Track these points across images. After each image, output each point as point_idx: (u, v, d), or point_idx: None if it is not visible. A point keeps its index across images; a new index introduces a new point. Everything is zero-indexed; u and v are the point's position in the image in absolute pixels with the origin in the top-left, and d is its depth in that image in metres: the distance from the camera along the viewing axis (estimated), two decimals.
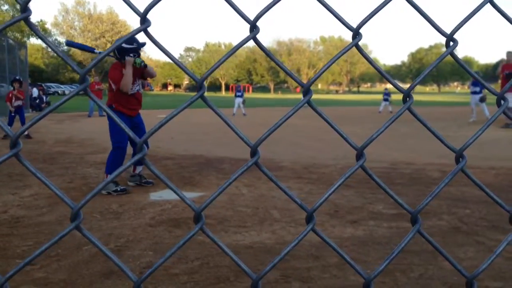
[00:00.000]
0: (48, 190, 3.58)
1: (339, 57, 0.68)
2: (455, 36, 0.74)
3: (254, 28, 0.61)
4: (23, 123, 11.89)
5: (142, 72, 5.55)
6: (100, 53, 4.09)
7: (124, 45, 5.28)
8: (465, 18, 0.75)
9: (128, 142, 5.47)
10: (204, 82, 0.64)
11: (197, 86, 0.62)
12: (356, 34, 0.69)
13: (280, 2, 0.68)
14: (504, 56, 13.71)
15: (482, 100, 15.89)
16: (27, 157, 8.03)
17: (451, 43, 0.76)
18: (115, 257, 0.62)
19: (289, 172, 6.80)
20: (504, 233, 3.97)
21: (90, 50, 5.50)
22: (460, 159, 0.83)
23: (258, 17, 0.61)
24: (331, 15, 0.75)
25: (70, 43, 5.49)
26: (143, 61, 5.41)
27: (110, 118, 5.55)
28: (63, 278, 3.04)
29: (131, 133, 0.57)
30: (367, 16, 0.69)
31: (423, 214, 4.37)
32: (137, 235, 3.94)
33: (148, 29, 0.64)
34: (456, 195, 5.28)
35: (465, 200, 5.08)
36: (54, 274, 3.09)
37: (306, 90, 0.69)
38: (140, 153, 0.57)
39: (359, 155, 0.71)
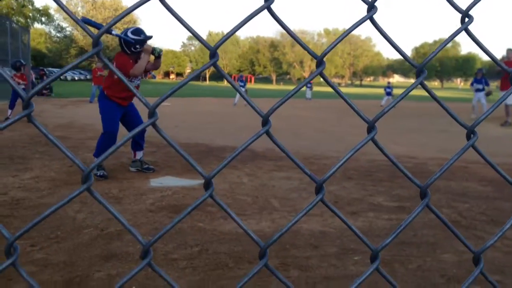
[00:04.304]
0: (49, 173, 3.60)
1: (353, 29, 0.68)
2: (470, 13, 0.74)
3: (213, 56, 0.62)
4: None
5: (153, 63, 5.59)
6: (117, 35, 4.04)
7: (130, 35, 5.30)
8: None
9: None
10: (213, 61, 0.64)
11: (210, 54, 0.61)
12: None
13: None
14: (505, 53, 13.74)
15: (488, 94, 16.10)
16: (29, 141, 8.04)
17: (467, 19, 0.75)
18: (124, 220, 0.62)
19: (290, 162, 6.78)
20: None
21: (107, 31, 5.25)
22: (472, 135, 0.83)
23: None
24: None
25: (87, 20, 5.15)
26: (161, 50, 5.51)
27: (101, 104, 5.58)
28: (63, 259, 3.06)
29: (143, 100, 0.57)
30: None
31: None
32: (137, 220, 3.95)
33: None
34: (456, 189, 5.29)
35: (465, 194, 5.09)
36: (54, 256, 3.11)
37: (320, 62, 0.69)
38: (152, 118, 0.57)
39: (371, 127, 0.71)
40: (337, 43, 0.70)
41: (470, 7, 0.74)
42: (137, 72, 5.32)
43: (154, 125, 0.59)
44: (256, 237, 0.67)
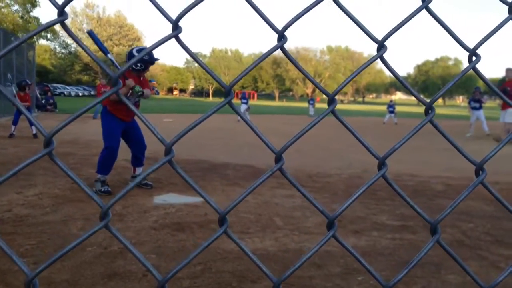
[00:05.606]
0: (53, 190, 3.60)
1: (363, 68, 0.70)
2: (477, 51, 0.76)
3: (282, 38, 0.62)
4: (30, 122, 12.02)
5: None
6: (111, 59, 4.00)
7: (135, 53, 5.36)
8: (488, 34, 0.76)
9: (123, 145, 5.57)
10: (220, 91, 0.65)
11: (225, 92, 0.63)
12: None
13: (303, 12, 0.69)
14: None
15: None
16: (33, 156, 8.06)
17: (474, 58, 0.77)
18: (142, 257, 0.63)
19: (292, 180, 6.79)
20: (508, 248, 3.96)
21: (104, 50, 5.04)
22: (480, 172, 0.84)
23: (286, 27, 0.62)
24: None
25: (91, 34, 5.12)
26: (141, 90, 5.45)
27: (103, 120, 5.63)
28: (66, 278, 3.05)
29: (159, 136, 0.59)
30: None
31: (427, 226, 4.39)
32: (140, 238, 3.95)
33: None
34: (460, 208, 5.27)
35: (469, 214, 5.07)
36: (57, 274, 3.10)
37: (331, 100, 0.71)
38: (168, 156, 0.58)
39: (381, 164, 0.72)
40: (348, 82, 0.71)
41: (477, 46, 0.76)
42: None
43: (170, 162, 0.60)
44: (270, 273, 0.68)
